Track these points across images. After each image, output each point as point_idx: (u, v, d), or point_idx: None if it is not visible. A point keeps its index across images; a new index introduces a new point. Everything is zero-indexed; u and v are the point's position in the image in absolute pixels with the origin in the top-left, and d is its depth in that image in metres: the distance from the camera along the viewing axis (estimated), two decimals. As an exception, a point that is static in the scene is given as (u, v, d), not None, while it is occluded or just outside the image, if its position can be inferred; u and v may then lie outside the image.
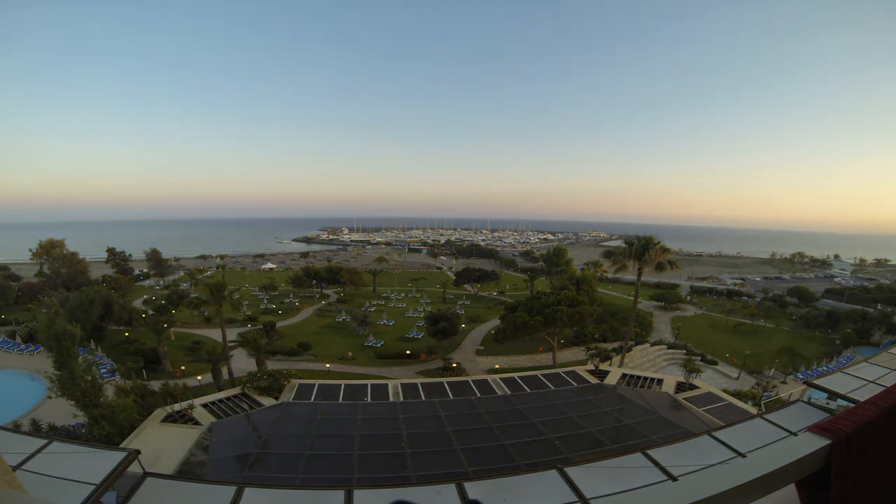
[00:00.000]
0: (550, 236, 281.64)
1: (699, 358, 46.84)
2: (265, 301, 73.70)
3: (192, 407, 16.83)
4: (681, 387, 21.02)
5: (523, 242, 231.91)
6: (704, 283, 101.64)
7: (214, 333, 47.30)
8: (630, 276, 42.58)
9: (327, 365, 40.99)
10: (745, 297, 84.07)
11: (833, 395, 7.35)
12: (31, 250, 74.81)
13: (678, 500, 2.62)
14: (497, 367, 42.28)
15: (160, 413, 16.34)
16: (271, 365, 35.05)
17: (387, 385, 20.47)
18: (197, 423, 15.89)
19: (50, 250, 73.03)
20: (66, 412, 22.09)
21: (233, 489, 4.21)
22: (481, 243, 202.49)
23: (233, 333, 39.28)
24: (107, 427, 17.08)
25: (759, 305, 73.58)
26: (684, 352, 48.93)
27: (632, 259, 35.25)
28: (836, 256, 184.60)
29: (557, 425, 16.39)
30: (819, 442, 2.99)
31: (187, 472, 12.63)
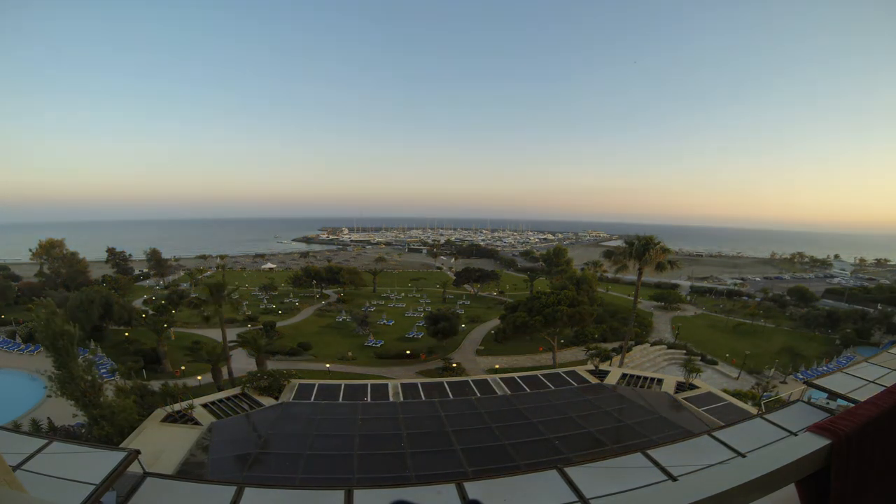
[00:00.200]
0: (550, 236, 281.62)
1: (699, 358, 46.83)
2: (265, 301, 73.70)
3: (192, 407, 16.82)
4: (681, 387, 21.01)
5: (523, 242, 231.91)
6: (704, 283, 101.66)
7: (214, 333, 47.29)
8: (630, 276, 42.60)
9: (327, 365, 41.00)
10: (745, 297, 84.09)
11: (833, 395, 7.35)
12: (31, 250, 74.84)
13: (678, 500, 2.63)
14: (497, 367, 42.28)
15: (160, 413, 16.33)
16: (271, 365, 35.04)
17: (387, 385, 20.46)
18: (197, 423, 15.88)
19: (50, 250, 73.04)
20: (66, 412, 22.08)
21: (233, 489, 4.21)
22: (481, 243, 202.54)
23: (233, 333, 39.28)
24: (107, 427, 17.07)
25: (759, 305, 73.59)
26: (684, 352, 48.93)
27: (632, 259, 35.26)
28: (836, 256, 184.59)
29: (557, 425, 16.38)
30: (819, 442, 3.00)
31: (187, 472, 12.63)
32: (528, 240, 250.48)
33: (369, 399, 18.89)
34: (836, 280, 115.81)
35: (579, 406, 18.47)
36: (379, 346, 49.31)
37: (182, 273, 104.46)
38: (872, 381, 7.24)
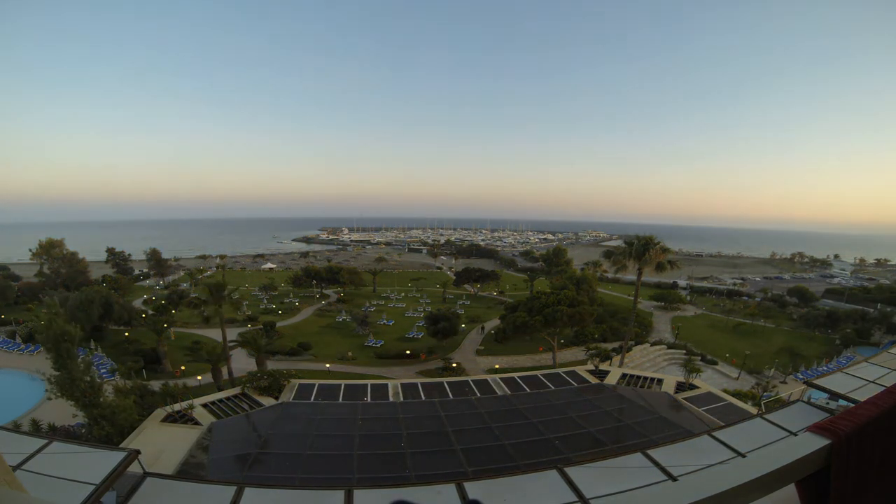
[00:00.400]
0: (550, 236, 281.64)
1: (699, 358, 46.84)
2: (265, 301, 73.70)
3: (192, 407, 16.82)
4: (681, 387, 21.01)
5: (523, 242, 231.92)
6: (704, 283, 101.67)
7: (214, 333, 47.30)
8: (630, 276, 42.58)
9: (327, 365, 41.00)
10: (744, 297, 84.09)
11: (833, 395, 7.34)
12: (31, 250, 74.74)
13: (678, 500, 2.63)
14: (497, 367, 42.29)
15: (160, 413, 16.33)
16: (271, 365, 35.05)
17: (387, 385, 20.45)
18: (197, 423, 15.88)
19: (50, 250, 72.99)
20: (66, 412, 22.10)
21: (233, 489, 4.21)
22: (481, 243, 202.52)
23: (233, 333, 39.27)
24: (107, 427, 17.07)
25: (758, 305, 73.60)
26: (684, 352, 48.94)
27: (632, 259, 35.25)
28: (836, 256, 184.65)
29: (557, 425, 16.38)
30: (819, 442, 3.00)
31: (187, 472, 12.62)
32: (528, 240, 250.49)
33: (369, 399, 18.89)
34: (836, 280, 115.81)
35: (579, 406, 18.47)
36: (379, 346, 49.31)
37: (182, 273, 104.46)
38: (872, 381, 7.23)
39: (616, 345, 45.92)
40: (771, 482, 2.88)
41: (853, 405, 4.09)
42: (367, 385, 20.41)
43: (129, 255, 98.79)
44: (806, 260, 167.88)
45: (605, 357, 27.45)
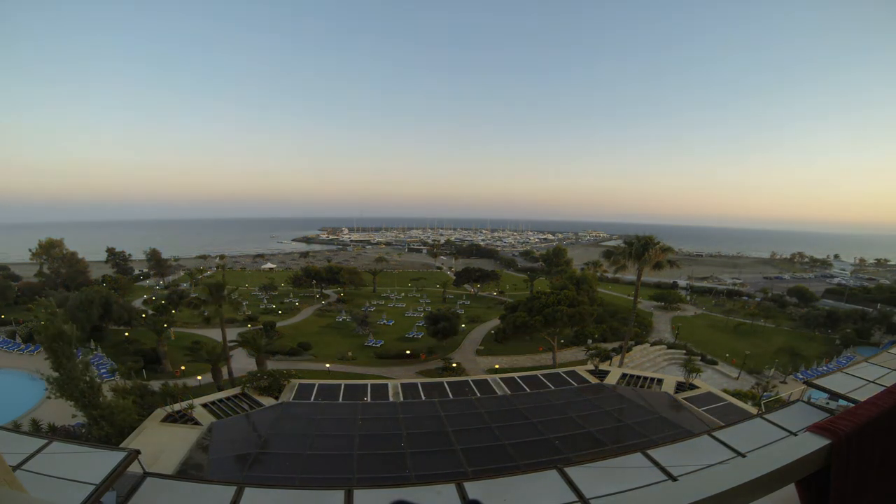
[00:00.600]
0: (550, 236, 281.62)
1: (699, 358, 46.83)
2: (265, 301, 73.70)
3: (192, 407, 16.82)
4: (681, 387, 21.02)
5: (523, 242, 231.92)
6: (704, 283, 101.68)
7: (214, 333, 47.29)
8: (630, 275, 42.58)
9: (327, 365, 41.00)
10: (744, 297, 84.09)
11: (833, 395, 7.34)
12: (31, 250, 74.72)
13: (678, 500, 2.63)
14: (497, 367, 42.28)
15: (160, 413, 16.33)
16: (271, 365, 35.05)
17: (387, 385, 20.46)
18: (197, 423, 15.88)
19: (50, 250, 72.98)
20: (65, 412, 22.07)
21: (233, 489, 4.21)
22: (481, 243, 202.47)
23: (233, 333, 39.28)
24: (106, 427, 17.06)
25: (758, 305, 73.61)
26: (684, 352, 48.92)
27: (631, 259, 35.25)
28: (836, 256, 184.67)
29: (557, 425, 16.38)
30: (819, 442, 3.00)
31: (187, 472, 12.63)
32: (528, 240, 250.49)
33: (369, 399, 18.89)
34: (835, 280, 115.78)
35: (579, 406, 18.47)
36: (379, 346, 49.31)
37: (182, 273, 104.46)
38: (872, 381, 7.23)
39: (616, 345, 45.93)
40: (771, 482, 2.88)
41: (853, 405, 4.09)
42: (367, 385, 20.41)
43: (129, 255, 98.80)
44: (806, 260, 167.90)
45: (605, 357, 27.49)
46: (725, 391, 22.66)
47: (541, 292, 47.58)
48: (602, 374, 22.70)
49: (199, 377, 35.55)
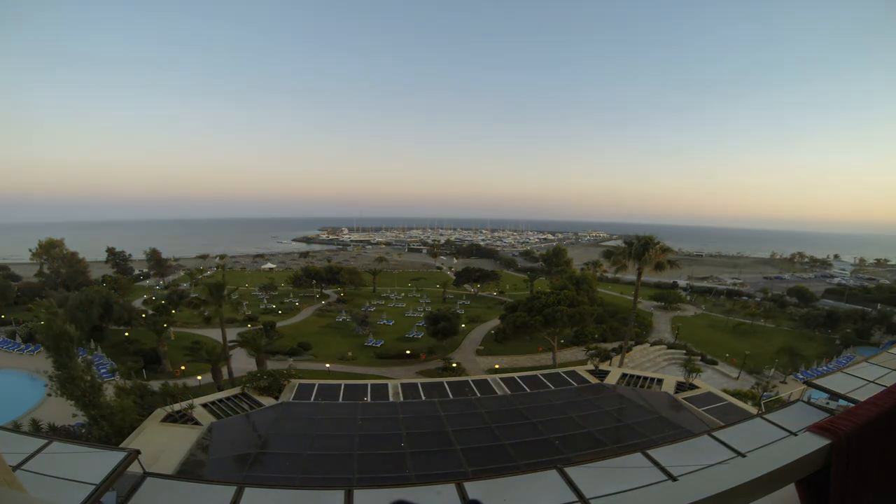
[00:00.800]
0: (550, 236, 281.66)
1: (699, 358, 46.85)
2: (265, 301, 73.73)
3: (192, 407, 16.80)
4: (681, 387, 21.00)
5: (523, 242, 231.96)
6: (704, 283, 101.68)
7: (214, 333, 47.30)
8: (630, 276, 42.57)
9: (327, 365, 41.01)
10: (744, 297, 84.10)
11: (833, 395, 7.34)
12: (31, 250, 74.77)
13: (678, 500, 2.63)
14: (497, 367, 42.29)
15: (160, 413, 16.31)
16: (271, 365, 35.05)
17: (387, 385, 20.44)
18: (197, 423, 15.87)
19: (50, 250, 73.01)
20: (66, 412, 22.07)
21: (233, 489, 4.21)
22: (481, 243, 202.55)
23: (233, 333, 39.27)
24: (106, 427, 17.07)
25: (758, 305, 73.62)
26: (684, 352, 48.94)
27: (631, 259, 35.24)
28: (836, 256, 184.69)
29: (557, 425, 16.37)
30: (819, 442, 3.00)
31: (187, 472, 12.62)
32: (528, 240, 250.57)
33: (369, 399, 18.88)
34: (836, 280, 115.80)
35: (579, 406, 18.46)
36: (379, 346, 49.32)
37: (182, 273, 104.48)
38: (872, 381, 7.23)
39: (616, 345, 45.93)
40: (771, 482, 2.88)
41: (853, 405, 4.09)
42: (367, 385, 20.39)
43: (130, 255, 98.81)
44: (806, 260, 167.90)
45: (605, 357, 27.48)
46: (725, 391, 22.65)
47: (541, 292, 47.61)
48: (602, 374, 22.69)
49: (199, 377, 35.58)
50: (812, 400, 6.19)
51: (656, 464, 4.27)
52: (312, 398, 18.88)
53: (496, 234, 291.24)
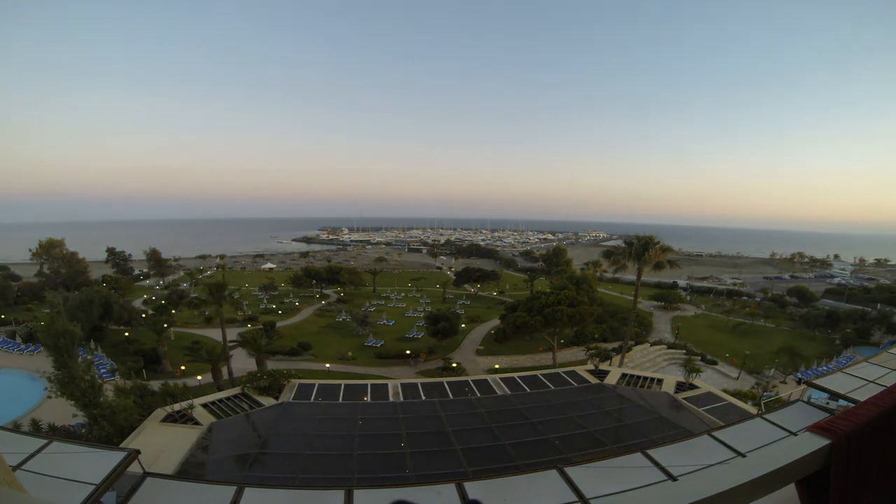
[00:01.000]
0: (550, 236, 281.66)
1: (699, 358, 46.85)
2: (265, 301, 73.72)
3: (192, 407, 16.81)
4: (681, 387, 21.01)
5: (523, 242, 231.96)
6: (704, 283, 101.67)
7: (214, 333, 47.29)
8: (630, 275, 42.60)
9: (327, 365, 41.00)
10: (744, 297, 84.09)
11: (833, 395, 7.34)
12: (31, 250, 74.76)
13: (678, 500, 2.63)
14: (497, 366, 42.28)
15: (160, 413, 16.32)
16: (271, 365, 35.06)
17: (387, 385, 20.44)
18: (197, 423, 15.87)
19: (50, 250, 73.00)
20: (66, 412, 22.08)
21: (233, 489, 4.21)
22: (481, 243, 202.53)
23: (233, 333, 39.28)
24: (106, 427, 17.06)
25: (758, 305, 73.60)
26: (684, 352, 48.94)
27: (631, 259, 35.25)
28: (836, 256, 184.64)
29: (557, 425, 16.37)
30: (819, 442, 3.00)
31: (187, 472, 12.62)
32: (528, 240, 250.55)
33: (369, 399, 18.88)
34: (835, 280, 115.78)
35: (579, 406, 18.46)
36: (379, 346, 49.32)
37: (182, 273, 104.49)
38: (872, 381, 7.23)
39: (616, 345, 45.92)
40: (771, 482, 2.88)
41: (853, 405, 4.10)
42: (367, 385, 20.39)
43: (130, 255, 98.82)
44: (806, 260, 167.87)
45: (605, 357, 27.48)
46: (725, 391, 22.65)
47: (541, 292, 47.60)
48: (602, 374, 22.69)
49: (199, 377, 35.57)
50: (812, 400, 6.20)
51: (656, 464, 4.27)
52: (312, 398, 18.88)
53: (496, 234, 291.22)
